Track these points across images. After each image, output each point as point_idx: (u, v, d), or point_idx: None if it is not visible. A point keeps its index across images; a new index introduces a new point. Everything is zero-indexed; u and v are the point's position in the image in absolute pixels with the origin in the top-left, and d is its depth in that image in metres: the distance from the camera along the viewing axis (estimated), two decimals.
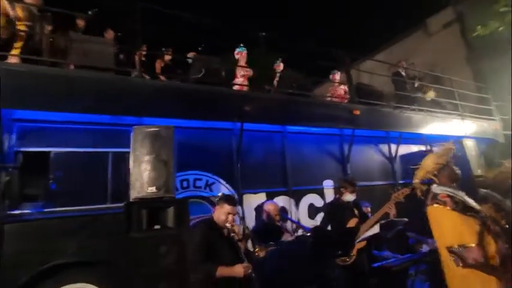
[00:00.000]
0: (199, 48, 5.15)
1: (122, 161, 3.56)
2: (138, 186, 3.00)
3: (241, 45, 5.01)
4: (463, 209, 2.08)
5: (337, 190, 3.61)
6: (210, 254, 2.36)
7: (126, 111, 3.33)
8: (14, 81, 2.78)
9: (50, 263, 2.95)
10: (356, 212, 3.39)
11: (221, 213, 2.50)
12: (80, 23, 3.92)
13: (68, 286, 3.05)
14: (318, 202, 4.93)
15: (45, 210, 3.08)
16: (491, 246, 1.93)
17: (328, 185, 5.13)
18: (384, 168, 5.96)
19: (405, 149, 6.28)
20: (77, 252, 3.12)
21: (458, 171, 2.39)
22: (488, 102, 7.94)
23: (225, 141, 4.35)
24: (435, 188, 2.22)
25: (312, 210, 4.84)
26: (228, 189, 4.20)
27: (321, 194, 5.02)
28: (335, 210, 3.45)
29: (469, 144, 6.62)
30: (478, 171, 6.44)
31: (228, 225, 2.48)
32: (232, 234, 2.45)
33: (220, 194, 2.94)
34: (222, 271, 2.25)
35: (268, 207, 3.45)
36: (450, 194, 2.13)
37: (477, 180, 6.30)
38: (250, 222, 4.26)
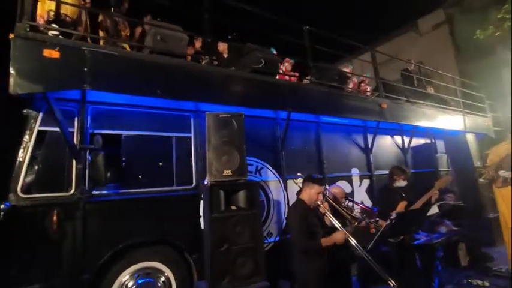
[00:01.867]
0: (230, 37, 5.24)
1: (184, 145, 3.66)
2: (214, 169, 3.15)
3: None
4: None
5: (390, 176, 3.94)
6: (308, 229, 2.59)
7: (197, 97, 3.41)
8: (100, 64, 2.80)
9: (124, 242, 3.05)
10: (404, 196, 3.76)
11: (312, 194, 2.73)
12: None
13: (139, 264, 3.16)
14: (348, 188, 5.27)
15: (121, 191, 3.14)
16: None
17: (355, 172, 5.50)
18: (398, 159, 6.42)
19: (415, 142, 6.78)
20: (147, 232, 3.22)
21: None
22: (482, 100, 8.66)
23: (270, 129, 4.54)
24: (503, 173, 2.57)
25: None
26: (274, 175, 4.41)
27: (350, 180, 5.38)
28: (388, 194, 3.79)
29: (470, 138, 7.27)
30: (477, 163, 7.12)
31: (319, 202, 2.71)
32: (322, 210, 2.68)
33: (300, 176, 3.14)
34: (325, 241, 2.49)
35: (335, 190, 3.71)
36: None
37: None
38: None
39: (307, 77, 5.25)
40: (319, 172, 4.96)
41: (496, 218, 6.79)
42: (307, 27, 4.62)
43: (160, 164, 3.49)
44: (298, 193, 3.15)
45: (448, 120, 6.98)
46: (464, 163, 7.08)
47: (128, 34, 4.17)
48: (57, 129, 2.82)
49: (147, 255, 3.22)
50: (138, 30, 4.36)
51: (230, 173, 3.16)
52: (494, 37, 8.90)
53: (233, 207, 3.15)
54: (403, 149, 6.54)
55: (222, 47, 5.38)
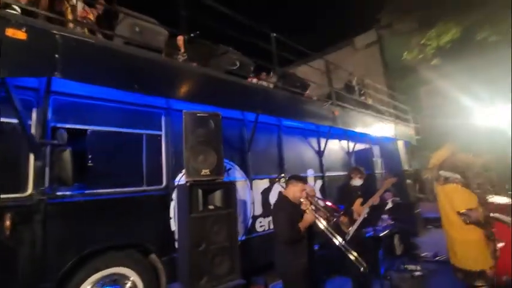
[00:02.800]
0: (192, 35, 5.18)
1: (155, 143, 3.51)
2: (191, 169, 3.13)
3: None
4: (464, 185, 3.01)
5: (348, 175, 4.35)
6: (293, 223, 2.75)
7: (173, 94, 3.31)
8: (74, 51, 2.53)
9: (89, 248, 2.81)
10: (359, 193, 4.22)
11: (296, 191, 2.89)
12: None
13: (105, 271, 2.94)
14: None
15: (86, 192, 2.87)
16: (480, 210, 2.91)
17: (310, 173, 5.91)
18: (344, 161, 7.09)
19: (357, 147, 7.58)
20: (114, 235, 3.02)
21: (460, 162, 3.31)
22: (406, 112, 10.09)
23: (237, 130, 4.62)
24: (444, 173, 3.08)
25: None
26: (242, 175, 4.50)
27: (306, 181, 5.75)
28: (346, 192, 4.19)
29: (400, 145, 8.42)
30: (405, 167, 8.28)
31: (302, 200, 2.89)
32: (304, 207, 2.87)
33: (282, 176, 3.29)
34: (302, 224, 2.69)
35: (308, 189, 3.93)
36: (457, 176, 3.03)
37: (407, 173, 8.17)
38: (258, 203, 4.68)
39: (269, 80, 5.49)
40: (281, 172, 5.22)
41: (419, 213, 8.05)
42: (275, 34, 4.85)
43: (130, 162, 3.29)
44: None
45: (384, 128, 7.98)
46: (395, 166, 8.17)
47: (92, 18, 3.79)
48: (12, 120, 2.46)
49: (114, 260, 3.00)
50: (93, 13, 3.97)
51: (208, 173, 3.16)
52: (417, 59, 10.48)
53: (210, 207, 3.15)
54: (348, 153, 7.25)
55: (180, 41, 5.23)
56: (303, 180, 2.97)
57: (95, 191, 2.94)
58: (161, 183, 3.49)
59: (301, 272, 2.67)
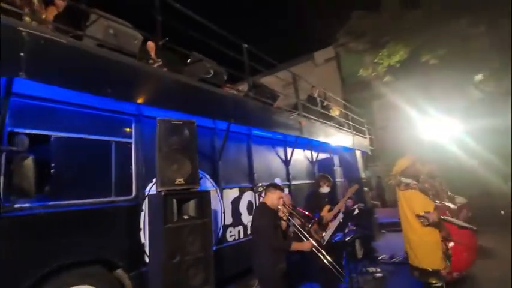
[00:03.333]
0: (162, 42, 5.09)
1: (124, 151, 3.35)
2: (165, 178, 3.06)
3: None
4: (422, 190, 3.32)
5: (316, 183, 4.52)
6: (275, 230, 2.81)
7: (147, 100, 3.19)
8: (41, 51, 2.33)
9: (50, 265, 2.56)
10: (327, 200, 4.42)
11: (274, 198, 2.94)
12: None
13: None
14: None
15: (49, 203, 2.62)
16: (435, 213, 3.23)
17: (278, 181, 6.03)
18: (308, 170, 7.38)
19: (320, 156, 7.95)
20: (79, 251, 2.80)
21: (420, 170, 3.63)
22: (362, 124, 10.85)
23: (208, 139, 4.59)
24: (405, 180, 3.38)
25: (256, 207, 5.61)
26: (212, 184, 4.45)
27: (282, 189, 5.86)
28: (315, 199, 4.35)
29: (358, 154, 8.99)
30: (362, 175, 8.85)
31: (280, 207, 2.94)
32: (281, 214, 2.93)
33: (261, 185, 3.33)
34: (295, 246, 2.76)
35: (285, 198, 3.99)
36: (415, 183, 3.33)
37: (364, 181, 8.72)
38: (228, 213, 4.65)
39: (236, 89, 5.56)
40: (250, 181, 5.26)
41: (375, 219, 8.62)
42: (246, 45, 4.96)
43: (97, 171, 3.08)
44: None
45: (343, 139, 8.48)
46: (353, 174, 8.70)
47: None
48: None
49: (78, 278, 2.76)
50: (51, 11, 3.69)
51: (183, 182, 3.09)
52: (371, 76, 11.42)
53: (185, 217, 3.07)
54: (312, 162, 7.56)
55: (151, 46, 5.11)
56: (280, 188, 3.05)
57: (58, 202, 2.70)
58: (131, 193, 3.32)
59: (281, 277, 2.72)
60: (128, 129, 3.41)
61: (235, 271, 4.46)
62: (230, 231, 4.62)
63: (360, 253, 6.22)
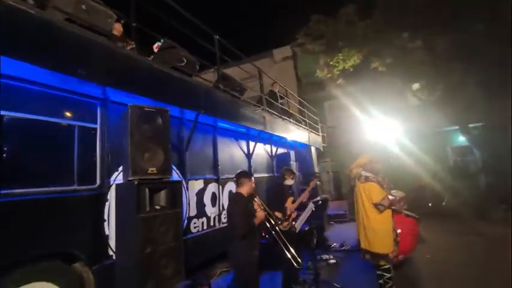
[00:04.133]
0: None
1: (88, 137, 3.12)
2: (137, 167, 2.97)
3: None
4: (378, 183, 3.69)
5: (282, 176, 4.69)
6: (249, 217, 2.88)
7: (117, 83, 2.99)
8: (5, 21, 2.03)
9: (2, 259, 2.32)
10: (291, 192, 4.64)
11: (249, 186, 3.04)
12: None
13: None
14: (234, 189, 5.81)
15: (2, 192, 2.33)
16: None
17: None
18: (268, 164, 7.60)
19: (279, 151, 8.24)
20: (37, 244, 2.57)
21: (376, 165, 3.99)
22: (317, 122, 11.48)
23: (175, 129, 4.46)
24: (365, 173, 3.72)
25: (231, 195, 5.68)
26: (178, 175, 4.36)
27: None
28: (280, 191, 4.53)
29: (313, 150, 9.51)
30: (316, 169, 9.40)
31: (256, 200, 3.04)
32: (256, 206, 3.03)
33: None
34: (256, 220, 2.88)
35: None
36: (374, 176, 3.69)
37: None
38: (193, 204, 4.60)
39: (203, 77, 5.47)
40: (215, 173, 5.27)
41: (326, 211, 9.25)
42: (218, 37, 4.91)
43: (58, 157, 2.81)
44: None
45: (301, 135, 8.90)
46: (308, 169, 9.20)
47: None
48: None
49: (34, 273, 2.53)
50: None
51: (155, 171, 3.00)
52: (326, 77, 12.11)
53: (157, 207, 3.00)
54: (271, 156, 7.80)
55: (117, 28, 4.78)
56: (250, 176, 3.18)
57: (12, 191, 2.42)
58: (94, 182, 3.11)
59: (255, 263, 2.84)
60: (92, 114, 3.17)
61: (198, 262, 4.46)
62: (194, 223, 4.59)
63: (313, 243, 6.70)
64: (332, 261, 5.44)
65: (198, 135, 4.93)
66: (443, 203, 10.12)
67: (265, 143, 7.58)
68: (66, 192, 2.82)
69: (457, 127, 11.47)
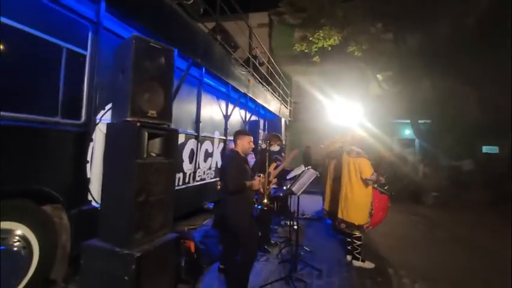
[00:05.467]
0: None
1: (77, 64, 2.67)
2: (136, 107, 2.68)
3: None
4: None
5: (266, 141, 4.64)
6: (243, 175, 2.80)
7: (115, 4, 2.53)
8: None
9: None
10: (274, 158, 4.67)
11: (245, 144, 2.95)
12: None
13: None
14: (210, 148, 5.65)
15: None
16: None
17: (217, 135, 5.95)
18: (241, 128, 7.49)
19: (252, 118, 8.15)
20: (7, 178, 2.20)
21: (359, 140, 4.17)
22: (287, 95, 11.56)
23: None
24: (356, 148, 3.87)
25: (207, 155, 5.52)
26: None
27: (213, 142, 5.78)
28: (265, 156, 4.50)
29: (282, 121, 9.63)
30: (283, 141, 9.58)
31: (251, 150, 2.97)
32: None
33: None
34: (249, 184, 2.83)
35: None
36: (362, 151, 3.87)
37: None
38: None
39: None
40: (195, 130, 5.02)
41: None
42: None
43: (40, 81, 2.35)
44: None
45: (274, 106, 8.90)
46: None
47: None
48: None
49: (9, 212, 2.19)
50: None
51: (155, 115, 2.71)
52: (302, 52, 12.06)
53: (153, 154, 2.75)
54: (244, 121, 7.70)
55: None
56: (248, 133, 3.09)
57: None
58: (80, 117, 2.71)
59: (252, 221, 2.84)
60: (82, 39, 2.69)
61: (174, 216, 4.33)
62: None
63: (276, 209, 7.00)
64: (295, 227, 5.75)
65: (184, 87, 4.57)
66: (385, 188, 11.29)
67: (241, 107, 7.42)
68: (47, 123, 2.42)
69: (407, 120, 12.61)
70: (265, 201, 3.28)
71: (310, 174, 3.63)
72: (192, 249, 3.17)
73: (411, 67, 10.73)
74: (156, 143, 2.89)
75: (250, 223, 2.82)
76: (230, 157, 2.98)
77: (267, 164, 3.48)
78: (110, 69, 2.79)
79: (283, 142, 9.70)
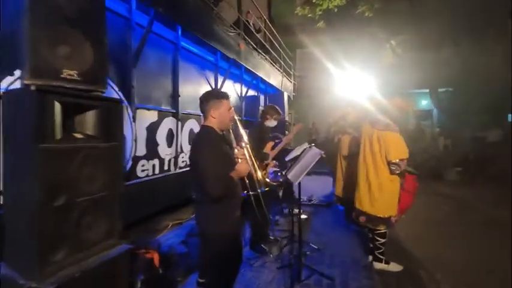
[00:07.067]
0: None
1: None
2: (42, 63, 1.75)
3: None
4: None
5: (263, 115, 3.73)
6: (223, 164, 1.86)
7: None
8: None
9: None
10: (271, 136, 3.77)
11: (223, 112, 1.94)
12: None
13: None
14: (196, 128, 4.75)
15: None
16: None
17: None
18: (236, 105, 6.56)
19: (249, 93, 7.17)
20: None
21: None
22: (291, 68, 10.44)
23: (117, 32, 3.13)
24: (384, 119, 2.89)
25: (192, 136, 4.63)
26: (121, 98, 3.14)
27: (199, 120, 4.87)
28: (260, 132, 3.60)
29: (285, 96, 8.62)
30: (286, 118, 8.61)
31: (231, 122, 2.00)
32: (238, 154, 2.00)
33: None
34: (233, 175, 1.88)
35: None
36: (392, 123, 2.89)
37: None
38: (142, 141, 3.50)
39: None
40: (173, 106, 4.12)
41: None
42: None
43: None
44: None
45: (275, 78, 7.87)
46: None
47: None
48: None
49: None
50: None
51: (76, 76, 1.80)
52: (306, 18, 10.79)
53: (78, 135, 1.87)
54: (240, 97, 6.74)
55: None
56: (225, 94, 2.01)
57: None
58: None
59: (237, 230, 1.95)
60: None
61: (146, 213, 3.54)
62: (143, 165, 3.54)
63: (281, 194, 6.15)
64: (303, 216, 4.93)
65: (152, 51, 3.64)
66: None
67: (235, 81, 6.44)
68: None
69: (425, 90, 11.39)
70: (261, 177, 2.29)
71: (312, 154, 2.73)
72: (156, 261, 2.35)
73: (430, 30, 9.41)
74: (89, 119, 1.99)
75: (231, 231, 1.92)
76: (200, 139, 1.98)
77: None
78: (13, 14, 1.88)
79: (285, 116, 8.77)
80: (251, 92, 7.33)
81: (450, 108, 10.26)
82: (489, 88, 9.20)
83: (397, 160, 2.71)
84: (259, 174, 2.14)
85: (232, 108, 2.03)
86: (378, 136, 2.85)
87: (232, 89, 6.37)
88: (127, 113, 3.24)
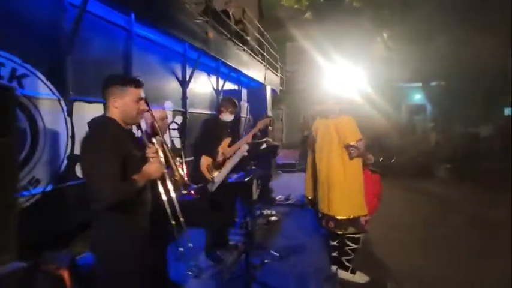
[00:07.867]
0: None
1: None
2: None
3: None
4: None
5: (218, 108, 3.37)
6: (125, 165, 1.49)
7: None
8: None
9: None
10: (229, 131, 3.41)
11: (129, 102, 1.56)
12: None
13: None
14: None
15: None
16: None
17: (168, 106, 4.66)
18: (211, 99, 6.19)
19: (227, 86, 6.78)
20: None
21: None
22: (277, 61, 10.05)
23: (48, 12, 2.74)
24: (340, 106, 2.61)
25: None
26: (51, 91, 2.77)
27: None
28: (215, 128, 3.25)
29: (268, 91, 8.23)
30: (269, 113, 8.23)
31: (140, 116, 1.63)
32: (150, 153, 1.62)
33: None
34: (139, 178, 1.50)
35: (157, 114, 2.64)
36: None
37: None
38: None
39: None
40: None
41: (276, 159, 8.37)
42: None
43: None
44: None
45: (256, 71, 7.48)
46: (261, 112, 7.97)
47: None
48: None
49: None
50: None
51: None
52: (292, 10, 10.39)
53: None
54: (216, 91, 6.36)
55: None
56: (135, 81, 1.59)
57: None
58: None
59: (143, 247, 1.54)
60: None
61: (81, 220, 3.17)
62: None
63: (255, 194, 5.80)
64: (273, 218, 4.60)
65: (95, 37, 3.25)
66: (392, 161, 9.94)
67: (210, 73, 6.05)
68: None
69: (418, 84, 11.04)
70: (179, 177, 1.92)
71: (238, 153, 2.42)
72: (67, 279, 2.00)
73: (420, 20, 9.04)
74: None
75: (133, 249, 1.53)
76: (89, 133, 1.54)
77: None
78: None
79: (269, 114, 8.40)
80: (230, 86, 6.94)
81: (442, 102, 9.92)
82: (482, 79, 8.85)
83: (355, 142, 2.41)
84: (179, 173, 1.79)
85: (143, 99, 1.65)
86: (334, 124, 2.55)
87: (206, 81, 5.99)
88: (60, 107, 2.86)
